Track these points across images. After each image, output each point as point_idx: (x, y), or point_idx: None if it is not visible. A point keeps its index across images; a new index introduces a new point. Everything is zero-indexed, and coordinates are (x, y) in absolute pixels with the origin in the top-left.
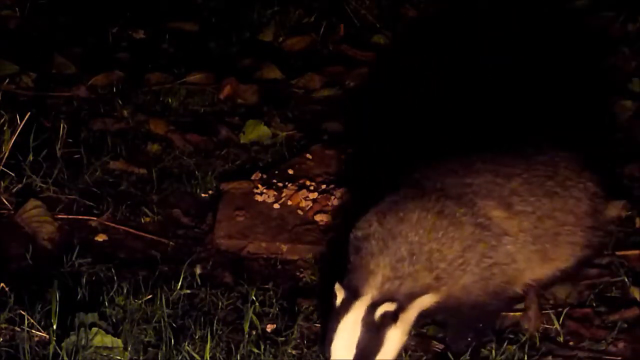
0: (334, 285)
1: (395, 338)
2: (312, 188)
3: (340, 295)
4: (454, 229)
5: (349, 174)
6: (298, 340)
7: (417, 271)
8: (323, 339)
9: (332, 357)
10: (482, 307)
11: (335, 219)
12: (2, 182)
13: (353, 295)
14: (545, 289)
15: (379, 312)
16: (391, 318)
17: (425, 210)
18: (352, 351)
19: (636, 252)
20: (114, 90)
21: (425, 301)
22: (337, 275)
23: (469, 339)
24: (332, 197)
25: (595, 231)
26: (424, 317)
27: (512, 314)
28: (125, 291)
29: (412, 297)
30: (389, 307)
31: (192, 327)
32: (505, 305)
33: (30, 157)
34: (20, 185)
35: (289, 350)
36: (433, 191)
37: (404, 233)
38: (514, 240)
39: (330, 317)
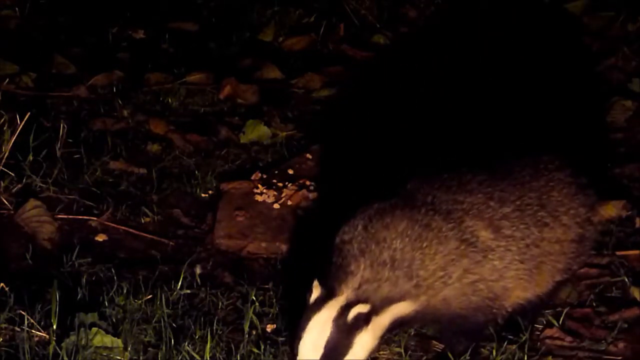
0: (312, 283)
1: (365, 342)
2: (312, 188)
3: (316, 292)
4: (438, 243)
5: (339, 175)
6: None
7: (396, 277)
8: (292, 336)
9: (299, 356)
10: (463, 319)
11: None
12: (2, 182)
13: (328, 294)
14: (522, 317)
15: (352, 313)
16: (363, 320)
17: (413, 221)
18: (320, 351)
19: (636, 252)
20: (114, 90)
21: (402, 308)
22: (317, 274)
23: (465, 341)
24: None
25: (577, 257)
26: (399, 326)
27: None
28: (125, 291)
29: (389, 301)
30: (362, 308)
31: (192, 327)
32: (491, 320)
33: (30, 157)
34: (20, 185)
35: (289, 350)
36: (423, 204)
37: (388, 239)
38: (501, 257)
39: (303, 313)
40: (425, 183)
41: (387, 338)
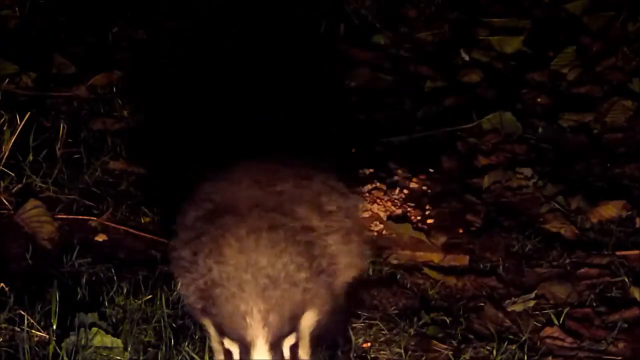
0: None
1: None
2: None
3: (235, 350)
4: (293, 235)
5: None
6: None
7: (285, 291)
8: None
9: None
10: (333, 316)
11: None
12: (2, 182)
13: (245, 346)
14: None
15: (286, 350)
16: (295, 348)
17: (257, 230)
18: None
19: (636, 252)
20: (114, 90)
21: (308, 319)
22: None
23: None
24: None
25: (362, 253)
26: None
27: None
28: (125, 291)
29: (297, 318)
30: (291, 340)
31: (192, 327)
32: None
33: (30, 157)
34: (20, 185)
35: None
36: (251, 209)
37: (251, 261)
38: (335, 241)
39: None
40: (227, 188)
41: (387, 338)
